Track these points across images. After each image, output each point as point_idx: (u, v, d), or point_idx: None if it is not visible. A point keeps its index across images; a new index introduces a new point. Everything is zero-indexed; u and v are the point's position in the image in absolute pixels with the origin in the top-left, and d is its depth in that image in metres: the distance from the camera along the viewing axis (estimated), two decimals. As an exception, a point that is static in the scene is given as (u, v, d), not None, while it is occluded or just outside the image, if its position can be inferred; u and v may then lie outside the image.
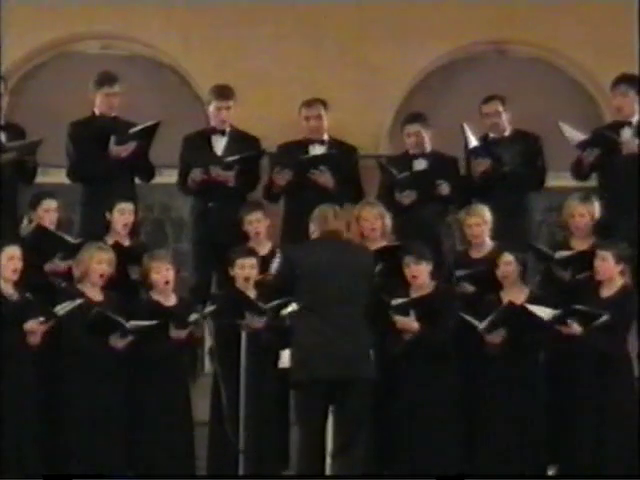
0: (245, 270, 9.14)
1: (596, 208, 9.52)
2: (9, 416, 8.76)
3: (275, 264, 8.95)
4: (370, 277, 8.53)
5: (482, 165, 9.87)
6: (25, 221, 9.53)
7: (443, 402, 9.10)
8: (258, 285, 9.17)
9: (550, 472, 9.16)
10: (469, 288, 9.37)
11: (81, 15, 10.78)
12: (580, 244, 9.45)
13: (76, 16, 10.79)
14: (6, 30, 10.58)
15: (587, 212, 9.49)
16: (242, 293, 9.06)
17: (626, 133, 9.81)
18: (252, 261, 9.18)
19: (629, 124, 9.85)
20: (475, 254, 9.53)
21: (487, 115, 10.07)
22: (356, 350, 8.27)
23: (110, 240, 9.47)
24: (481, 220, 9.47)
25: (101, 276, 9.05)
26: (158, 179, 10.31)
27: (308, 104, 10.09)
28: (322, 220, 8.47)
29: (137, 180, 10.12)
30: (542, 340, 9.12)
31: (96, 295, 9.07)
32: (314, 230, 8.51)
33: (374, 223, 9.37)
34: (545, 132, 9.96)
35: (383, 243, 9.37)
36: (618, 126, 9.89)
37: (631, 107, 9.86)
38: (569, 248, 9.49)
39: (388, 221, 9.44)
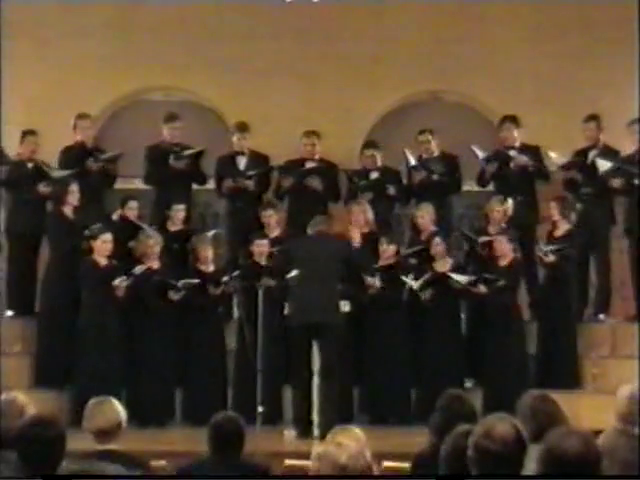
0: (261, 247, 9.29)
1: (509, 207, 9.61)
2: (98, 350, 8.83)
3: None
4: (344, 257, 8.59)
5: (419, 176, 9.96)
6: (117, 214, 9.62)
7: (396, 336, 9.18)
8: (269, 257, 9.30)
9: (468, 384, 9.12)
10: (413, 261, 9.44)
11: (148, 73, 10.70)
12: (495, 231, 9.49)
13: (145, 73, 10.71)
14: (98, 85, 10.54)
15: (502, 209, 9.55)
16: (258, 263, 9.18)
17: (512, 153, 9.92)
18: (265, 242, 9.31)
19: (513, 148, 9.96)
20: (422, 237, 9.63)
21: (421, 142, 10.10)
22: (329, 305, 8.44)
23: (171, 226, 9.65)
24: (426, 214, 9.56)
25: (154, 253, 9.18)
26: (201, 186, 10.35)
27: (307, 135, 10.11)
28: (313, 225, 8.67)
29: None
30: (460, 296, 9.24)
31: (155, 264, 9.19)
32: (309, 230, 8.70)
33: (358, 216, 9.44)
34: (467, 155, 9.93)
35: (366, 229, 9.47)
36: (507, 149, 9.97)
37: (513, 137, 9.99)
38: (487, 234, 9.54)
39: (370, 214, 9.52)
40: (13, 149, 9.89)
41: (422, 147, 10.13)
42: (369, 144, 10.23)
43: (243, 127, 10.05)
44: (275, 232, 9.58)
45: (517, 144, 10.00)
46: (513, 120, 10.00)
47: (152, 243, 9.22)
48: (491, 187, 10.13)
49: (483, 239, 9.50)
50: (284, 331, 8.79)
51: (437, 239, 9.34)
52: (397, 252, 9.32)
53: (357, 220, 9.44)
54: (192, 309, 9.20)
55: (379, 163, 10.12)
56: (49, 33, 10.63)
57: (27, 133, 9.82)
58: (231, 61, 10.68)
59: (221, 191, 10.08)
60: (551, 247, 9.30)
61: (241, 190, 9.90)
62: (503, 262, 9.24)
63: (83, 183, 9.51)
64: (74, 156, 9.83)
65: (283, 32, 10.65)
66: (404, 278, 9.10)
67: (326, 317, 8.38)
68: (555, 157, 9.84)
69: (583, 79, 10.61)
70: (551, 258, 9.27)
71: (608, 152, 9.80)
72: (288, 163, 10.14)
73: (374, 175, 10.05)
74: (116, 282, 8.91)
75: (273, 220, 9.58)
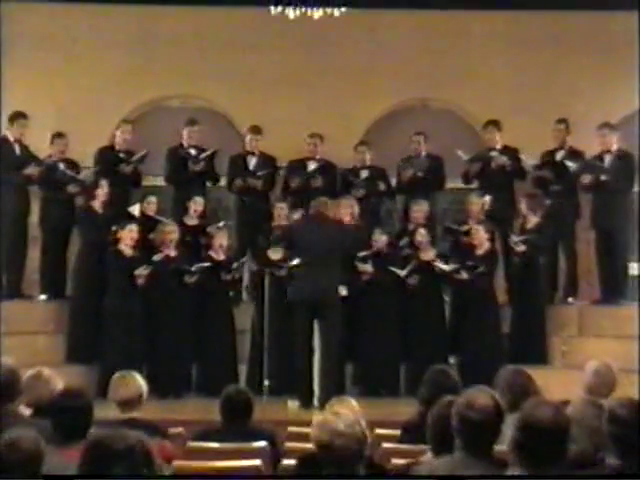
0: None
1: (487, 202, 9.63)
2: (122, 330, 8.84)
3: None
4: (343, 241, 8.48)
5: (407, 174, 10.02)
6: (136, 208, 9.59)
7: (387, 317, 9.20)
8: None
9: (451, 360, 9.04)
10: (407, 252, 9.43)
11: (167, 82, 10.69)
12: (473, 223, 9.47)
13: (164, 83, 10.69)
14: (122, 93, 10.52)
15: (480, 203, 9.57)
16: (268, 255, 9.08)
17: (493, 154, 9.96)
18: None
19: (495, 149, 10.00)
20: (411, 228, 9.60)
21: (413, 142, 10.16)
22: (328, 285, 8.33)
23: (187, 220, 9.60)
24: (421, 210, 9.58)
25: (171, 241, 9.15)
26: (213, 183, 10.35)
27: (310, 137, 10.13)
28: (312, 206, 8.61)
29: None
30: (442, 282, 9.25)
31: (172, 252, 9.16)
32: (310, 211, 8.66)
33: (346, 210, 9.36)
34: (452, 156, 9.91)
35: (353, 222, 9.37)
36: (489, 150, 10.02)
37: (495, 139, 10.03)
38: (467, 224, 9.54)
39: (356, 209, 9.45)
40: (45, 151, 9.85)
41: (412, 147, 10.17)
42: (360, 143, 10.31)
43: (257, 130, 10.08)
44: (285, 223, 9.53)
45: (499, 146, 10.02)
46: (496, 124, 10.03)
47: (169, 230, 9.20)
48: (475, 185, 10.15)
49: (465, 228, 9.51)
50: (289, 311, 8.73)
51: (421, 231, 9.35)
52: (389, 242, 9.30)
53: (345, 213, 9.34)
54: (206, 293, 9.17)
55: (368, 162, 10.15)
56: (79, 47, 10.62)
57: (56, 135, 9.80)
58: (242, 72, 10.65)
59: (231, 188, 10.09)
60: (521, 238, 9.31)
61: (250, 188, 9.91)
62: (480, 251, 9.24)
63: (115, 182, 9.54)
64: (109, 156, 9.88)
65: (288, 46, 10.63)
66: (393, 269, 9.06)
67: (326, 296, 8.28)
68: (525, 158, 9.85)
69: (555, 88, 10.60)
70: (522, 248, 9.26)
71: (574, 153, 9.86)
72: (292, 163, 10.18)
73: (364, 174, 10.08)
74: (137, 272, 8.90)
75: (284, 212, 9.55)
